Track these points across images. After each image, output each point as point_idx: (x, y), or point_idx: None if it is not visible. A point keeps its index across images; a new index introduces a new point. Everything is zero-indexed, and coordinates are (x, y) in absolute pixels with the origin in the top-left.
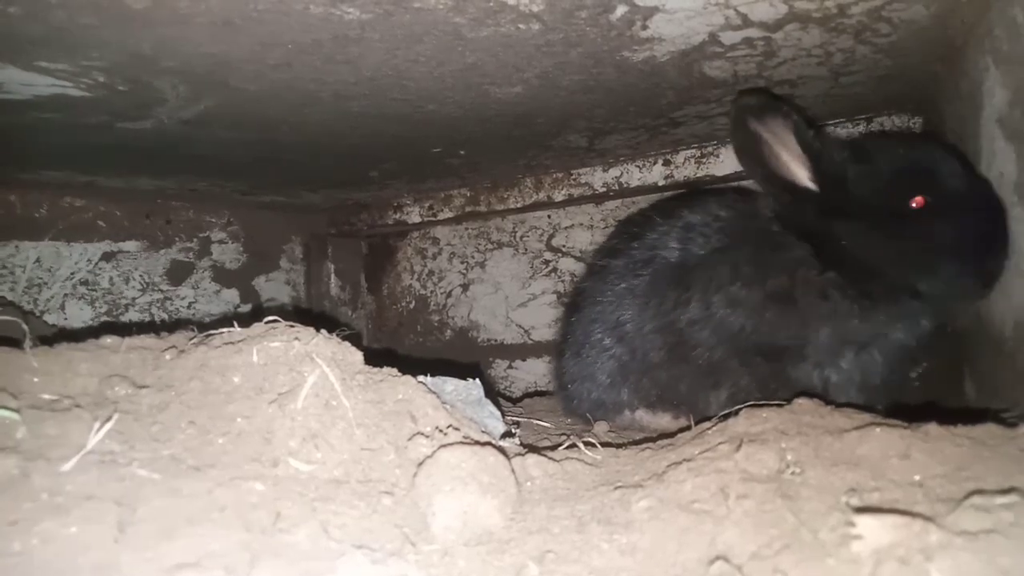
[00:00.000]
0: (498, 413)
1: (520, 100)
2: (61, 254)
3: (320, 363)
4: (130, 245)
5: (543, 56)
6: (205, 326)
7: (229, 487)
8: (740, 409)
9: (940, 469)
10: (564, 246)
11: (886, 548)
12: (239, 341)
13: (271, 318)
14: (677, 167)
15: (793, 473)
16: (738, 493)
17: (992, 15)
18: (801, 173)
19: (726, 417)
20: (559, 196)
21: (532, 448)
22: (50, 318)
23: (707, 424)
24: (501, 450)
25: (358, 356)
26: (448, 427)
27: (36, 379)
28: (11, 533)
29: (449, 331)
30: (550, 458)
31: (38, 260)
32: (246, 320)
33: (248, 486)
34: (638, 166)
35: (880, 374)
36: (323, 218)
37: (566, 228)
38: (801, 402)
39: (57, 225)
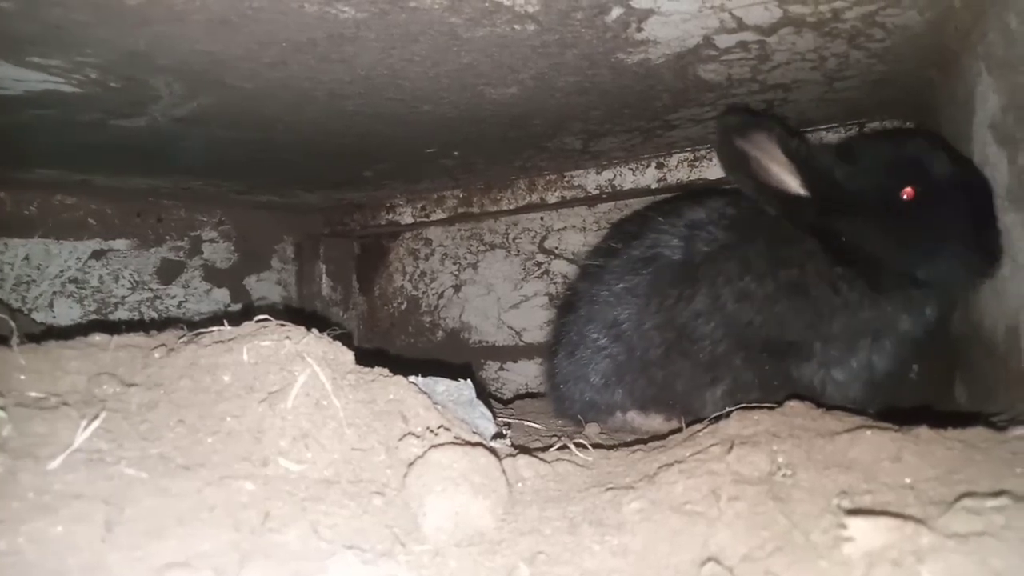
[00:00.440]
0: (489, 414)
1: (515, 101)
2: (51, 252)
3: (311, 362)
4: (120, 243)
5: (539, 57)
6: (195, 325)
7: (219, 486)
8: (731, 411)
9: (931, 472)
10: (556, 248)
11: (878, 550)
12: (229, 340)
13: (262, 317)
14: (670, 170)
15: (785, 475)
16: (730, 495)
17: (986, 21)
18: (791, 181)
19: (717, 419)
20: (552, 198)
21: (523, 449)
22: (38, 316)
23: (698, 426)
24: (492, 451)
25: (349, 356)
26: (439, 427)
27: (23, 377)
28: None
29: (441, 332)
30: (541, 459)
31: (27, 257)
32: (237, 319)
33: (238, 485)
34: (631, 169)
35: (888, 368)
36: (315, 218)
37: (559, 230)
38: (792, 404)
39: (47, 223)
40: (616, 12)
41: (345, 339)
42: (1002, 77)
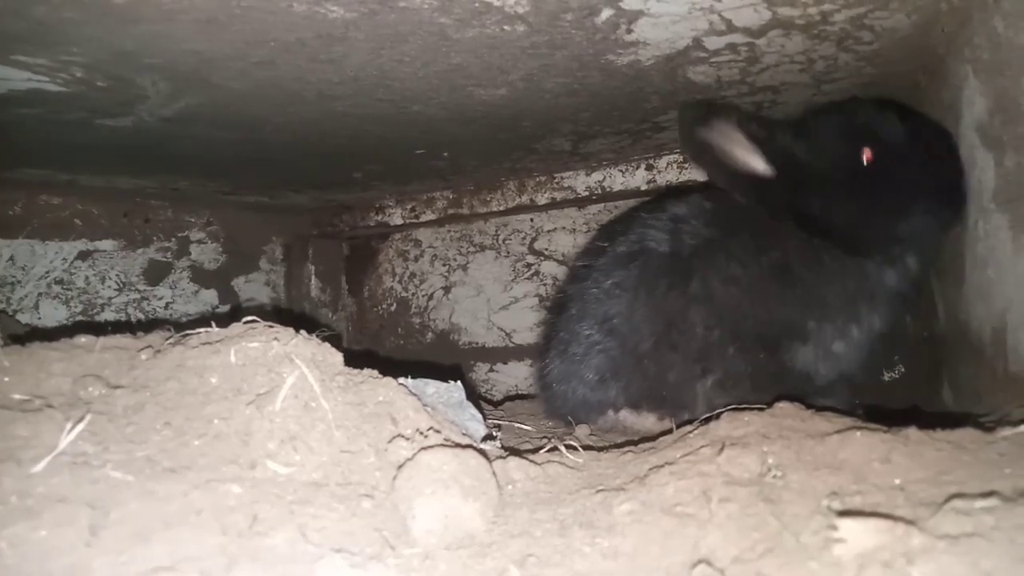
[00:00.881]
0: (479, 416)
1: (505, 102)
2: (36, 252)
3: (299, 364)
4: (107, 244)
5: (528, 58)
6: (182, 326)
7: (205, 489)
8: (721, 413)
9: (921, 473)
10: (546, 249)
11: (868, 552)
12: (217, 341)
13: (250, 318)
14: (659, 172)
15: (775, 477)
16: (720, 497)
17: (972, 25)
18: (757, 163)
19: (707, 420)
20: (542, 199)
21: (514, 451)
22: (23, 317)
23: (689, 427)
24: (482, 453)
25: (338, 357)
26: (429, 429)
27: (7, 379)
28: None
29: (430, 334)
30: (532, 461)
31: (11, 258)
32: (225, 321)
33: (225, 488)
34: (621, 170)
35: (884, 328)
36: (304, 219)
37: (549, 231)
38: (782, 406)
39: (32, 223)
40: (606, 13)
41: (334, 341)
42: (988, 80)
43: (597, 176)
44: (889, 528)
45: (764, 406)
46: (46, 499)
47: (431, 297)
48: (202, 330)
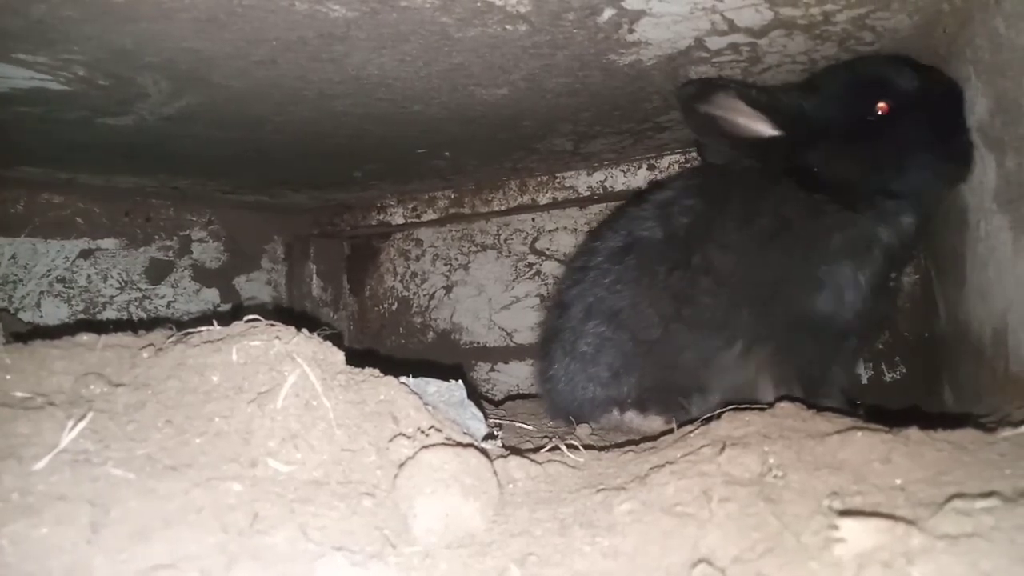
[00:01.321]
0: (480, 415)
1: (506, 102)
2: (38, 251)
3: (301, 363)
4: (108, 243)
5: (530, 58)
6: (184, 325)
7: (206, 488)
8: (722, 413)
9: (921, 473)
10: (548, 249)
11: (868, 552)
12: (218, 340)
13: (251, 317)
14: (661, 172)
15: (775, 476)
16: (721, 496)
17: (974, 25)
18: (762, 127)
19: (708, 420)
20: (543, 199)
21: (514, 450)
22: (25, 315)
23: (689, 427)
24: (483, 452)
25: (339, 356)
26: (430, 428)
27: (9, 376)
28: None
29: (432, 333)
30: (532, 460)
31: (14, 257)
32: (226, 319)
33: (226, 487)
34: (623, 170)
35: (879, 282)
36: (306, 218)
37: (550, 231)
38: (783, 406)
39: (34, 221)
40: (608, 13)
41: (335, 339)
42: (990, 81)
43: (599, 176)
44: (889, 528)
45: (765, 406)
46: (47, 497)
47: (432, 296)
48: (203, 329)
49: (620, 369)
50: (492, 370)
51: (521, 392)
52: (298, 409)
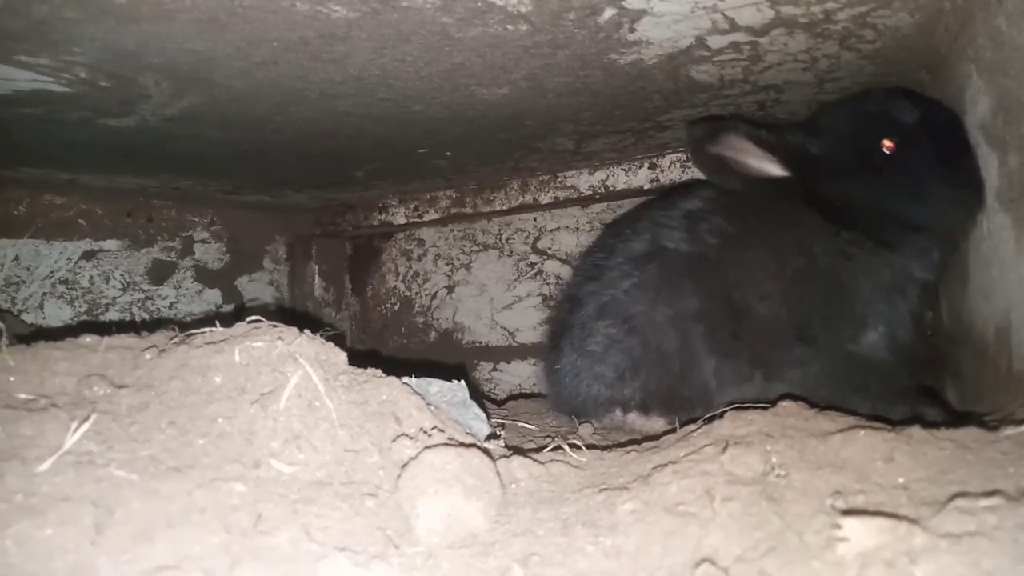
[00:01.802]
0: (483, 415)
1: (507, 102)
2: (40, 252)
3: (303, 363)
4: (111, 244)
5: (530, 57)
6: (187, 326)
7: (209, 488)
8: (725, 412)
9: (924, 472)
10: (550, 249)
11: (871, 551)
12: (221, 341)
13: (254, 318)
14: (663, 171)
15: (778, 476)
16: (723, 495)
17: (976, 24)
18: (772, 168)
19: (711, 419)
20: (545, 198)
21: (517, 450)
22: (28, 317)
23: (692, 427)
24: (486, 452)
25: (342, 357)
26: (432, 428)
27: (12, 378)
28: None
29: (434, 333)
30: (535, 460)
31: (16, 258)
32: (228, 320)
33: (229, 487)
34: (624, 169)
35: (919, 315)
36: (307, 218)
37: (552, 231)
38: (785, 405)
39: (36, 223)
40: (608, 13)
41: (338, 340)
42: (991, 80)
43: (600, 175)
44: (892, 527)
45: (767, 404)
46: (51, 498)
47: (434, 296)
48: (206, 330)
49: (626, 372)
50: (494, 370)
51: (523, 392)
52: (301, 410)
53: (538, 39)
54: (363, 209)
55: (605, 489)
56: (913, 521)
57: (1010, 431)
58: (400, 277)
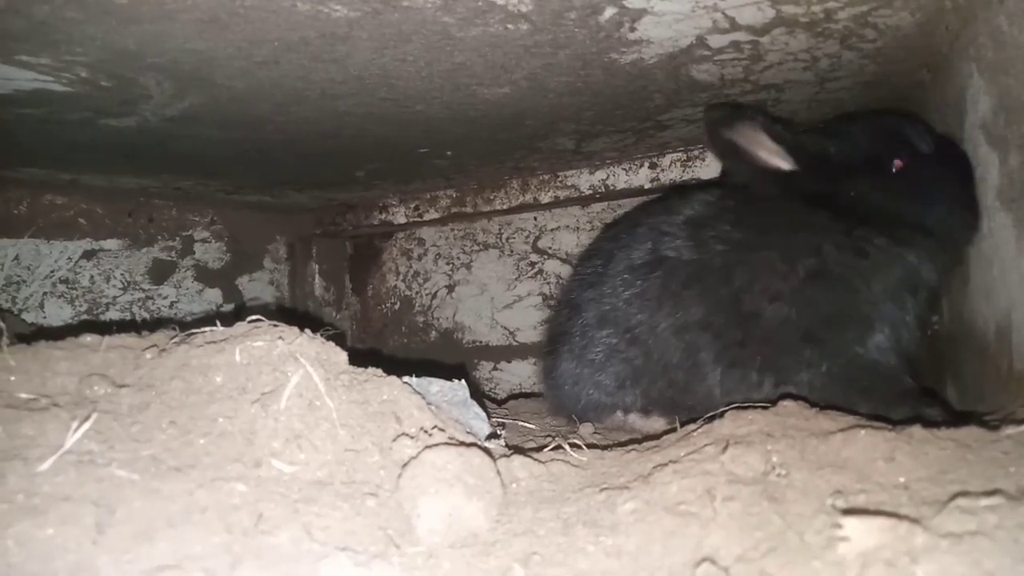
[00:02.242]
0: (483, 414)
1: (508, 101)
2: (41, 252)
3: (304, 363)
4: (111, 243)
5: (531, 57)
6: (187, 325)
7: (210, 488)
8: (725, 411)
9: (925, 472)
10: (550, 248)
11: (872, 550)
12: (221, 340)
13: (254, 317)
14: (663, 170)
15: (779, 475)
16: (724, 495)
17: (977, 23)
18: (781, 163)
19: (711, 419)
20: (545, 198)
21: (518, 450)
22: (28, 316)
23: (692, 426)
24: (486, 451)
25: (342, 356)
26: (433, 428)
27: (13, 378)
28: None
29: (434, 332)
30: (536, 460)
31: (17, 258)
32: (229, 320)
33: (230, 487)
34: (624, 169)
35: (924, 317)
36: (308, 218)
37: (552, 230)
38: (786, 404)
39: (37, 222)
40: (609, 12)
41: (338, 339)
42: (993, 79)
43: (600, 175)
44: (893, 527)
45: (768, 404)
46: (52, 497)
47: (435, 296)
48: (207, 329)
49: (627, 381)
50: (495, 369)
51: (524, 391)
52: (301, 409)
53: (539, 39)
54: (363, 209)
55: (606, 489)
56: (914, 521)
57: (1011, 430)
58: (400, 276)
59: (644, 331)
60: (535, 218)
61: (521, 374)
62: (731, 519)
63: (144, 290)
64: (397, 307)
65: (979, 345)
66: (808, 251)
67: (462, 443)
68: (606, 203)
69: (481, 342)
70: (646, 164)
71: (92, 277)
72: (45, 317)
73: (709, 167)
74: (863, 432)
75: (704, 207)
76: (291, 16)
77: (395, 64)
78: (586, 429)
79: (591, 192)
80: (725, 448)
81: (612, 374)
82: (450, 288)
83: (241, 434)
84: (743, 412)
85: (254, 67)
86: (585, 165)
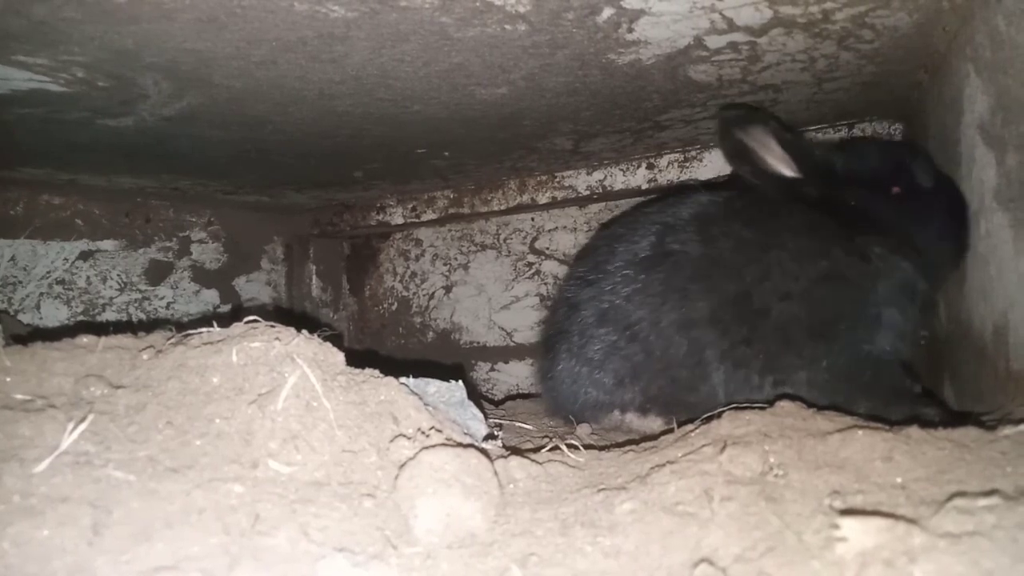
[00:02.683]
0: (481, 415)
1: (506, 101)
2: (37, 252)
3: (301, 364)
4: (108, 244)
5: (529, 57)
6: (184, 326)
7: (207, 489)
8: (723, 412)
9: (922, 472)
10: (548, 249)
11: (870, 550)
12: (218, 341)
13: (251, 318)
14: (661, 171)
15: (777, 475)
16: (722, 495)
17: (974, 23)
18: (786, 169)
19: (709, 420)
20: (543, 199)
21: (515, 450)
22: (25, 317)
23: (690, 427)
24: (484, 452)
25: (340, 357)
26: (430, 429)
27: (9, 379)
28: None
29: (431, 333)
30: (533, 460)
31: (13, 258)
32: (226, 320)
33: (227, 488)
34: (622, 169)
35: (921, 322)
36: (305, 219)
37: (550, 231)
38: (783, 405)
39: (33, 223)
40: (607, 13)
41: (335, 340)
42: (990, 79)
43: (598, 175)
44: (890, 527)
45: (766, 404)
46: (48, 499)
47: (432, 296)
48: (203, 330)
49: (626, 378)
50: (492, 370)
51: (521, 392)
52: (299, 410)
53: (537, 39)
54: (361, 209)
55: (603, 489)
56: (912, 521)
57: (1008, 430)
58: (398, 277)
59: (646, 327)
60: (532, 219)
61: (518, 375)
62: (729, 519)
63: (141, 291)
64: (394, 308)
65: (976, 345)
66: (818, 253)
67: (459, 444)
68: (603, 204)
69: (478, 343)
70: (644, 165)
71: (89, 278)
72: (41, 318)
73: (706, 168)
74: (861, 432)
75: (712, 206)
76: (289, 16)
77: (393, 64)
78: (583, 430)
79: (588, 193)
80: (723, 448)
81: (611, 371)
82: (447, 289)
83: (238, 435)
84: (741, 412)
85: (252, 67)
86: (583, 166)
